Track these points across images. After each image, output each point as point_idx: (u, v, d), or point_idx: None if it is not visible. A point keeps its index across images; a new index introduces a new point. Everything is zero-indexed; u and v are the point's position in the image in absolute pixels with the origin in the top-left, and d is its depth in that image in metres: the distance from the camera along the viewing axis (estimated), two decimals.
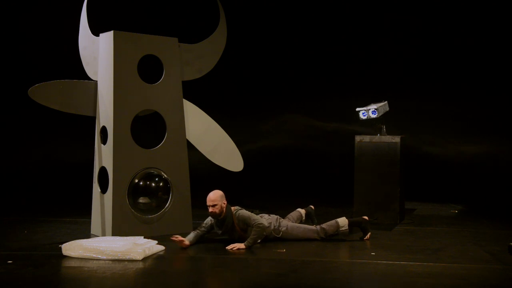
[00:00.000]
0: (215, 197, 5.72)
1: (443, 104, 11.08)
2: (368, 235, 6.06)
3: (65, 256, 5.20)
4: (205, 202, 6.00)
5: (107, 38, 6.25)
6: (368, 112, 7.30)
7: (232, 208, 5.88)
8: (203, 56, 6.81)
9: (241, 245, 5.64)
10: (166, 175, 6.39)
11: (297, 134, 11.55)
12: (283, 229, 5.99)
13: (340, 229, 5.99)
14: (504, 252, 5.44)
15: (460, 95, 10.92)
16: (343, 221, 6.01)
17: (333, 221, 6.04)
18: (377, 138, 7.29)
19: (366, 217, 6.25)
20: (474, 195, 9.59)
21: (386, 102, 7.39)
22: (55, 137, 10.64)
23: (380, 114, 7.28)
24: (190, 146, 6.73)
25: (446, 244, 5.99)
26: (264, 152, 11.19)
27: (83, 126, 7.69)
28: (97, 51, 6.41)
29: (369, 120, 7.34)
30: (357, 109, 7.38)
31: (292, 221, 6.27)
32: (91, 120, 6.52)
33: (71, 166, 10.42)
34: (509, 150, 10.72)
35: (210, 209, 5.74)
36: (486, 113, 10.91)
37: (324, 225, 6.04)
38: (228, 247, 5.63)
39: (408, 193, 7.94)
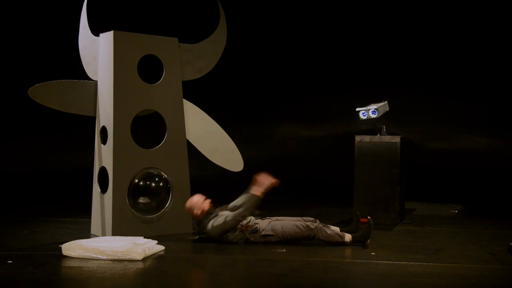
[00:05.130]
0: (193, 201, 5.95)
1: (443, 103, 11.09)
2: (368, 241, 5.84)
3: (65, 256, 5.19)
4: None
5: (107, 38, 6.25)
6: (368, 112, 7.30)
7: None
8: (203, 56, 6.81)
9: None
10: (166, 175, 6.38)
11: (296, 135, 11.55)
12: (278, 231, 5.81)
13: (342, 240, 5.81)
14: (504, 252, 5.44)
15: (461, 93, 10.94)
16: (347, 237, 5.81)
17: (337, 234, 5.81)
18: (377, 138, 7.29)
19: (369, 217, 5.95)
20: (474, 195, 9.60)
21: (386, 102, 7.40)
22: (55, 139, 10.65)
23: (380, 114, 7.28)
24: (190, 147, 6.72)
25: (446, 244, 5.99)
26: (263, 153, 11.20)
27: (83, 129, 7.70)
28: (97, 51, 6.41)
29: (369, 120, 7.35)
30: (357, 109, 7.38)
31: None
32: (91, 123, 6.52)
33: (72, 169, 10.42)
34: (509, 149, 10.73)
35: (197, 212, 5.89)
36: (487, 112, 10.92)
37: (325, 228, 5.82)
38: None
39: (408, 193, 7.94)
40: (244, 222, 5.83)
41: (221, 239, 5.79)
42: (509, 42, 10.69)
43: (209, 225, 5.79)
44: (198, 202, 5.92)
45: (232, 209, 5.89)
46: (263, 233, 5.82)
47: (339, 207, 8.33)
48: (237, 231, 5.79)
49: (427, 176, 10.42)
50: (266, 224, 5.86)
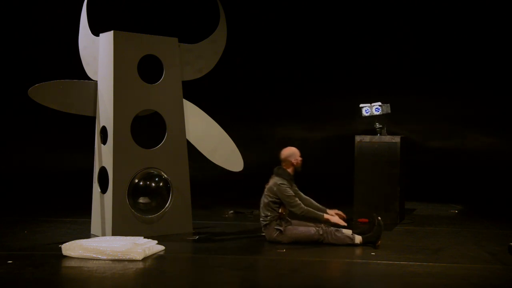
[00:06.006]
0: None
1: (443, 102, 11.10)
2: (379, 242, 5.80)
3: (65, 256, 5.20)
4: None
5: (107, 38, 6.25)
6: (371, 108, 7.30)
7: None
8: (203, 56, 6.80)
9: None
10: (166, 175, 6.38)
11: (296, 136, 11.54)
12: (287, 232, 5.88)
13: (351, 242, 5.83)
14: (504, 252, 5.45)
15: (461, 93, 10.94)
16: (357, 239, 5.83)
17: (347, 237, 5.84)
18: (377, 138, 7.29)
19: (379, 218, 5.88)
20: (474, 195, 9.59)
21: (388, 104, 7.39)
22: (55, 139, 10.65)
23: (382, 113, 7.29)
24: (190, 147, 6.72)
25: (446, 244, 5.99)
26: (263, 154, 11.19)
27: (83, 129, 7.70)
28: (97, 51, 6.40)
29: (370, 117, 7.35)
30: (361, 105, 7.38)
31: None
32: (91, 123, 6.52)
33: (72, 169, 10.42)
34: (510, 149, 10.73)
35: (301, 159, 6.01)
36: (488, 112, 10.92)
37: (334, 230, 5.86)
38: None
39: (408, 193, 7.94)
40: (283, 210, 5.93)
41: (265, 200, 5.91)
42: (509, 42, 10.69)
43: (277, 180, 5.88)
44: (298, 155, 6.02)
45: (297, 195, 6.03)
46: (276, 226, 5.88)
47: (339, 207, 8.31)
48: (274, 222, 5.89)
49: (427, 176, 10.42)
50: (284, 224, 5.93)
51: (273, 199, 5.88)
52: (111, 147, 6.12)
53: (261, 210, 6.01)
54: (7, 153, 10.55)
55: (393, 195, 7.18)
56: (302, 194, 6.12)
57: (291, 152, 6.03)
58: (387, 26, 11.20)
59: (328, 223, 5.88)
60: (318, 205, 6.08)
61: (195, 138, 6.76)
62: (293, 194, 5.88)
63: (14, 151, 10.63)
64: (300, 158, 6.04)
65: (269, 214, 5.91)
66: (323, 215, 5.87)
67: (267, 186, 5.99)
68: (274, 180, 5.94)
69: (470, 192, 9.72)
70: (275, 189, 5.87)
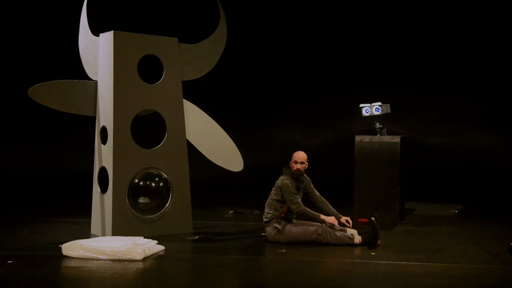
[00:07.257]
0: (305, 156, 5.97)
1: (443, 102, 11.09)
2: (378, 241, 5.81)
3: (65, 256, 5.20)
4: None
5: (107, 38, 6.25)
6: (371, 108, 7.30)
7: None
8: (203, 56, 6.80)
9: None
10: (166, 175, 6.38)
11: (296, 135, 11.54)
12: (285, 231, 5.89)
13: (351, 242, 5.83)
14: (504, 252, 5.45)
15: (461, 93, 10.93)
16: (357, 238, 5.84)
17: (347, 237, 5.85)
18: (377, 138, 7.29)
19: (373, 218, 5.89)
20: (474, 195, 9.59)
21: (388, 104, 7.39)
22: (55, 139, 10.65)
23: (382, 113, 7.29)
24: (190, 147, 6.72)
25: (446, 244, 5.99)
26: (263, 154, 11.19)
27: (83, 129, 7.70)
28: (97, 51, 6.40)
29: (369, 117, 7.35)
30: (361, 105, 7.38)
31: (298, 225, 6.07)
32: (91, 123, 6.51)
33: (72, 169, 10.42)
34: (509, 149, 10.73)
35: (299, 166, 5.91)
36: (488, 112, 10.92)
37: (334, 231, 5.86)
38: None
39: (408, 193, 7.94)
40: (285, 209, 5.94)
41: (270, 198, 5.98)
42: (509, 42, 10.69)
43: (282, 177, 5.93)
44: (294, 159, 5.97)
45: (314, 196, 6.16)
46: (275, 224, 5.89)
47: (339, 207, 8.31)
48: (274, 220, 5.93)
49: (427, 176, 10.42)
50: (283, 223, 5.94)
51: (278, 198, 5.92)
52: (111, 147, 6.12)
53: (265, 207, 6.05)
54: (7, 153, 10.55)
55: (393, 195, 7.18)
56: (317, 193, 6.14)
57: (294, 155, 6.03)
58: (387, 26, 11.20)
59: (324, 223, 5.88)
60: (332, 209, 6.05)
61: (195, 138, 6.77)
62: (296, 192, 5.89)
63: (14, 151, 10.63)
64: (293, 164, 5.95)
65: (271, 212, 5.95)
66: (320, 215, 5.87)
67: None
68: (280, 178, 6.00)
69: (470, 192, 9.72)
70: (279, 184, 5.91)
